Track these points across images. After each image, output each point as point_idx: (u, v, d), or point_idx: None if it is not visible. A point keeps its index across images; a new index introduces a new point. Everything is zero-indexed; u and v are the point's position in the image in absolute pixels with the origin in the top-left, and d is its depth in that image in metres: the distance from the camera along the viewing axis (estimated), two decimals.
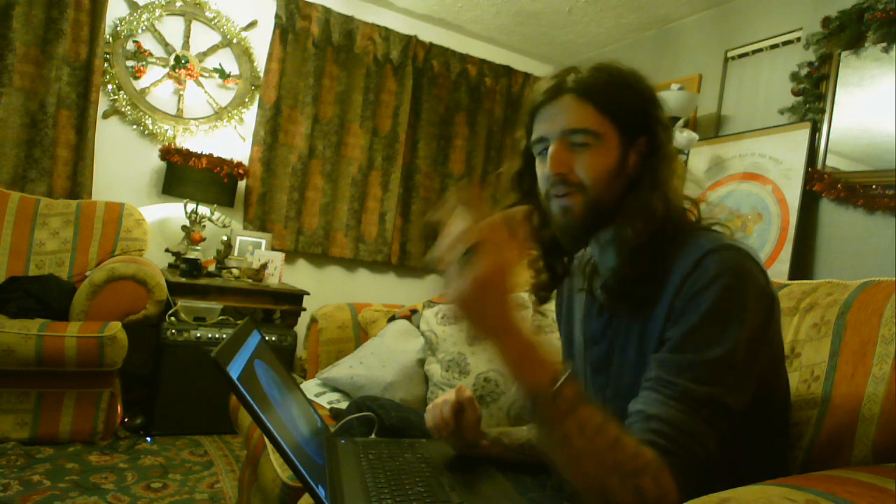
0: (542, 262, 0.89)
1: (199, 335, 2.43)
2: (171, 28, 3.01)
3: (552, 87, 0.79)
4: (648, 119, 0.78)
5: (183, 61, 2.99)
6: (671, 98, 2.72)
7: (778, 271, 2.35)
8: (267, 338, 2.58)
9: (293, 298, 2.87)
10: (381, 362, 1.57)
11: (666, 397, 0.66)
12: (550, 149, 0.78)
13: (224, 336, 2.46)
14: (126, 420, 2.37)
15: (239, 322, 2.66)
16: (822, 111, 2.37)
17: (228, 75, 3.11)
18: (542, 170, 0.81)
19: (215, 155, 2.95)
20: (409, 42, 3.48)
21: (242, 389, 0.54)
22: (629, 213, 0.75)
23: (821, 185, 2.32)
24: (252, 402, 0.55)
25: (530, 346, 0.63)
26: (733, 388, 0.66)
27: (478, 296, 0.60)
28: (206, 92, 3.07)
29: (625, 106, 0.77)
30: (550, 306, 1.30)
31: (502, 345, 0.62)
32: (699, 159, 2.84)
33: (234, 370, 0.55)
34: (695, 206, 0.80)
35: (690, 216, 0.80)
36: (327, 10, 3.26)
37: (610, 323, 0.81)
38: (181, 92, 3.02)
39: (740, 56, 2.85)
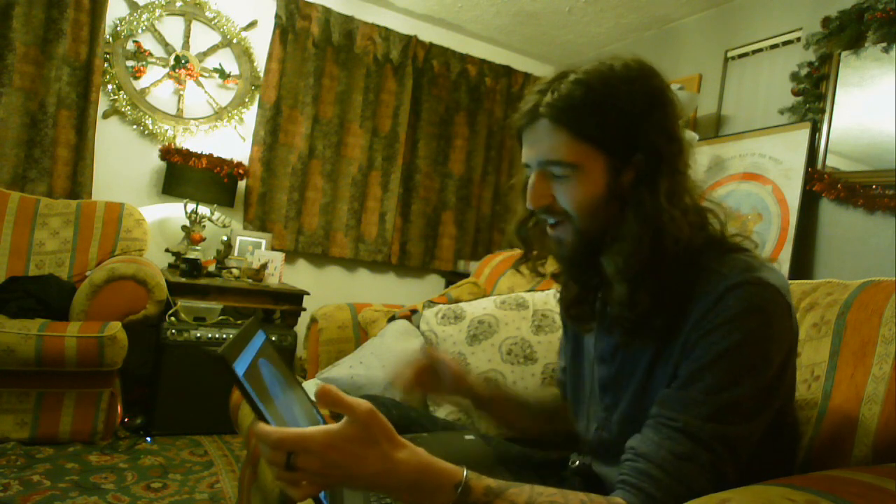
0: (566, 275, 0.84)
1: (199, 335, 2.43)
2: (171, 28, 3.01)
3: (528, 111, 0.72)
4: (643, 131, 0.68)
5: (183, 61, 2.99)
6: None
7: None
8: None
9: (293, 298, 2.87)
10: (381, 362, 1.57)
11: (662, 437, 0.64)
12: (529, 181, 0.74)
13: (224, 336, 2.46)
14: (126, 420, 2.37)
15: (240, 322, 2.67)
16: (822, 111, 2.37)
17: (228, 75, 3.10)
18: None
19: (215, 155, 2.95)
20: (409, 42, 3.48)
21: (248, 388, 0.54)
22: (613, 245, 0.69)
23: (821, 185, 2.32)
24: (257, 400, 0.55)
25: (415, 480, 0.59)
26: (743, 425, 0.63)
27: (329, 477, 0.56)
28: (206, 92, 3.07)
29: (609, 125, 0.68)
30: (552, 304, 1.29)
31: (385, 491, 0.60)
32: (699, 159, 2.84)
33: (240, 368, 0.55)
34: (715, 216, 0.73)
35: (713, 228, 0.73)
36: (327, 10, 3.26)
37: (622, 343, 0.76)
38: (181, 92, 3.02)
39: (740, 56, 2.85)
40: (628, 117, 0.68)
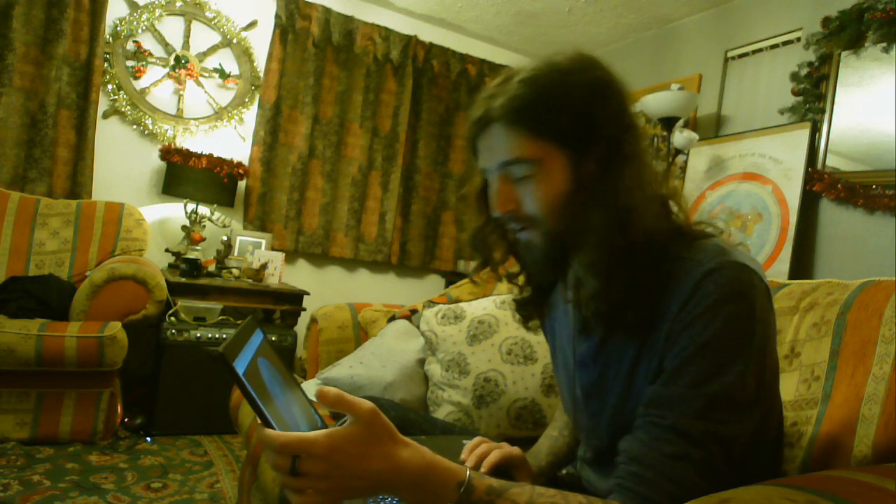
0: (523, 276, 0.84)
1: (199, 335, 2.42)
2: (171, 28, 3.01)
3: (479, 119, 0.71)
4: (598, 121, 0.67)
5: (183, 61, 2.99)
6: (671, 98, 2.72)
7: (778, 271, 2.35)
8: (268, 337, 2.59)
9: (293, 298, 2.87)
10: (381, 362, 1.57)
11: (652, 437, 0.63)
12: (492, 186, 0.73)
13: (224, 336, 2.46)
14: (126, 420, 2.37)
15: (240, 322, 2.66)
16: (822, 111, 2.37)
17: (228, 75, 3.10)
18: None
19: (215, 155, 2.95)
20: (409, 42, 3.48)
21: (249, 387, 0.54)
22: (583, 235, 0.68)
23: (821, 185, 2.32)
24: (258, 399, 0.55)
25: (419, 478, 0.59)
26: (735, 422, 0.62)
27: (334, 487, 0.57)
28: (206, 92, 3.07)
29: (563, 118, 0.67)
30: None
31: (390, 491, 0.60)
32: (699, 159, 2.84)
33: (240, 367, 0.55)
34: (679, 207, 0.73)
35: (676, 217, 0.72)
36: (327, 10, 3.26)
37: (602, 345, 0.74)
38: (181, 92, 3.02)
39: (740, 56, 2.85)
40: (581, 108, 0.67)
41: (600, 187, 0.67)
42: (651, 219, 0.67)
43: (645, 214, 0.67)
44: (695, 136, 2.77)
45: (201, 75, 3.05)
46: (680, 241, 0.69)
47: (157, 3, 2.93)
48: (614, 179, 0.67)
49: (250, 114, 3.19)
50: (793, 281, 1.08)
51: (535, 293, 0.85)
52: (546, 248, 0.72)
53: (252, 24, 3.17)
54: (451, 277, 3.62)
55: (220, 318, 2.58)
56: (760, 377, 0.64)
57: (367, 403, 0.58)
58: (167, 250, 2.87)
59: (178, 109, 3.02)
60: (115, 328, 2.14)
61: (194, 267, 2.66)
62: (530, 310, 0.85)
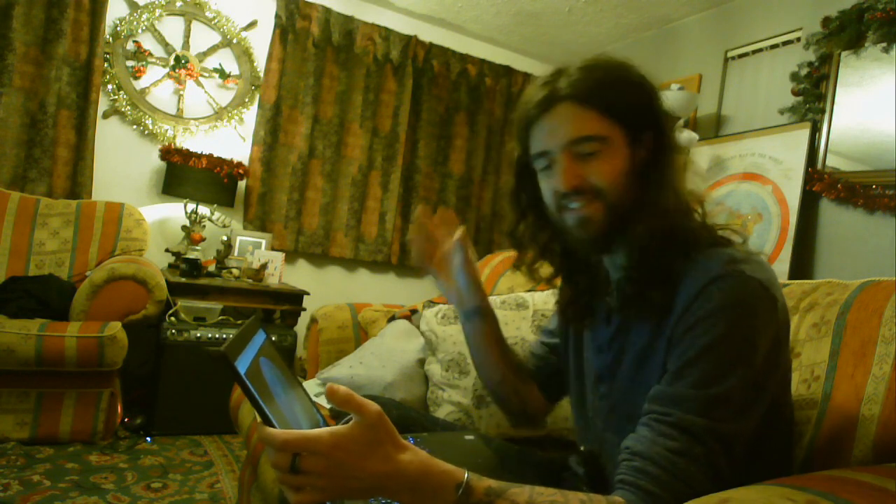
0: (561, 277, 0.87)
1: (199, 335, 2.42)
2: (171, 28, 3.01)
3: (546, 98, 0.74)
4: (652, 112, 0.74)
5: (183, 61, 2.99)
6: (671, 98, 2.72)
7: (778, 271, 2.35)
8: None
9: (293, 298, 2.87)
10: (381, 362, 1.57)
11: (656, 433, 0.64)
12: (559, 164, 0.74)
13: (224, 336, 2.46)
14: (126, 420, 2.37)
15: (240, 322, 2.67)
16: (822, 111, 2.37)
17: (228, 75, 3.10)
18: (549, 184, 0.76)
19: (215, 155, 2.95)
20: (409, 42, 3.48)
21: (250, 386, 0.54)
22: (642, 211, 0.72)
23: (821, 185, 2.32)
24: (259, 398, 0.55)
25: (417, 481, 0.59)
26: (735, 421, 0.64)
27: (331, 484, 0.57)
28: (206, 92, 3.07)
29: (627, 103, 0.73)
30: (552, 305, 1.30)
31: (387, 494, 0.60)
32: (699, 159, 2.84)
33: (242, 366, 0.55)
34: (699, 204, 0.76)
35: (698, 215, 0.76)
36: (327, 10, 3.26)
37: (618, 332, 0.79)
38: (181, 92, 3.02)
39: (740, 56, 2.85)
40: (641, 97, 0.74)
41: (655, 170, 0.72)
42: (683, 210, 0.73)
43: (683, 202, 0.73)
44: (695, 136, 2.77)
45: (201, 75, 3.05)
46: (700, 244, 0.72)
47: (157, 3, 2.93)
48: (664, 166, 0.72)
49: (250, 114, 3.19)
50: (793, 281, 1.08)
51: (575, 292, 0.87)
52: (604, 223, 0.74)
53: (252, 24, 3.17)
54: None
55: (220, 318, 2.58)
56: (763, 381, 0.66)
57: (375, 406, 0.58)
58: (167, 250, 2.87)
59: (178, 109, 3.02)
60: (115, 328, 2.14)
61: (194, 267, 2.66)
62: (576, 308, 0.87)
